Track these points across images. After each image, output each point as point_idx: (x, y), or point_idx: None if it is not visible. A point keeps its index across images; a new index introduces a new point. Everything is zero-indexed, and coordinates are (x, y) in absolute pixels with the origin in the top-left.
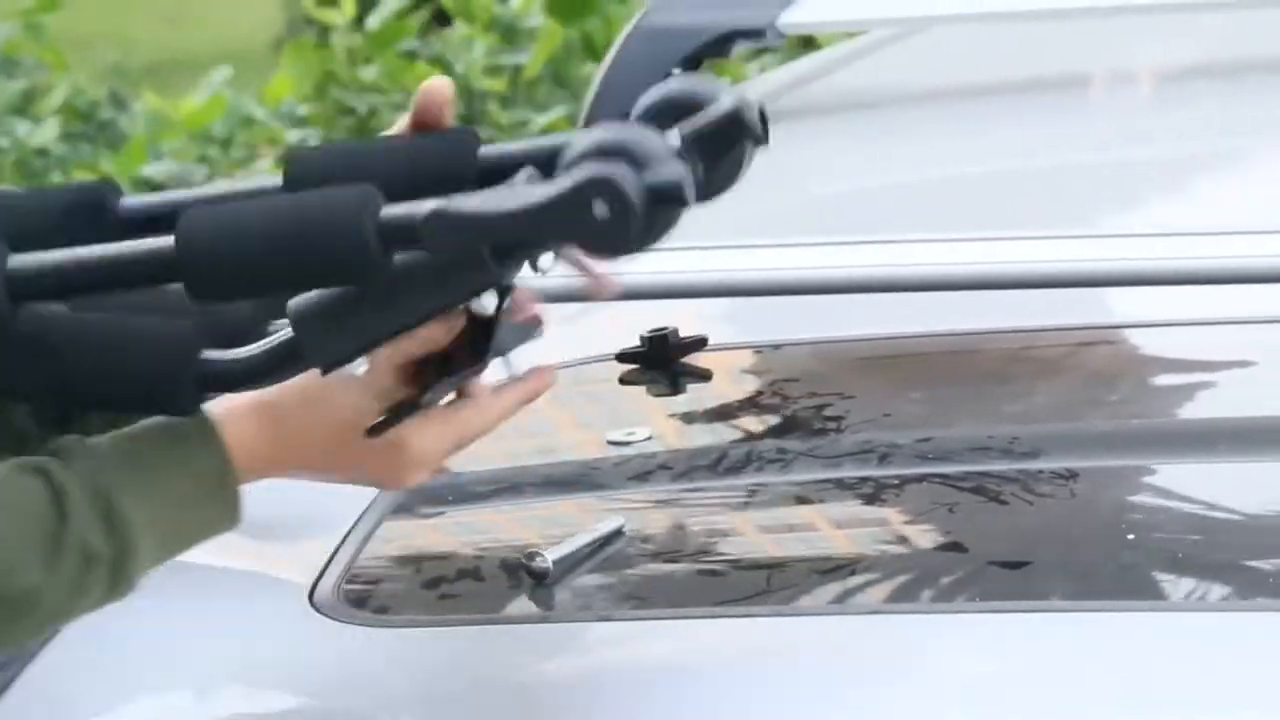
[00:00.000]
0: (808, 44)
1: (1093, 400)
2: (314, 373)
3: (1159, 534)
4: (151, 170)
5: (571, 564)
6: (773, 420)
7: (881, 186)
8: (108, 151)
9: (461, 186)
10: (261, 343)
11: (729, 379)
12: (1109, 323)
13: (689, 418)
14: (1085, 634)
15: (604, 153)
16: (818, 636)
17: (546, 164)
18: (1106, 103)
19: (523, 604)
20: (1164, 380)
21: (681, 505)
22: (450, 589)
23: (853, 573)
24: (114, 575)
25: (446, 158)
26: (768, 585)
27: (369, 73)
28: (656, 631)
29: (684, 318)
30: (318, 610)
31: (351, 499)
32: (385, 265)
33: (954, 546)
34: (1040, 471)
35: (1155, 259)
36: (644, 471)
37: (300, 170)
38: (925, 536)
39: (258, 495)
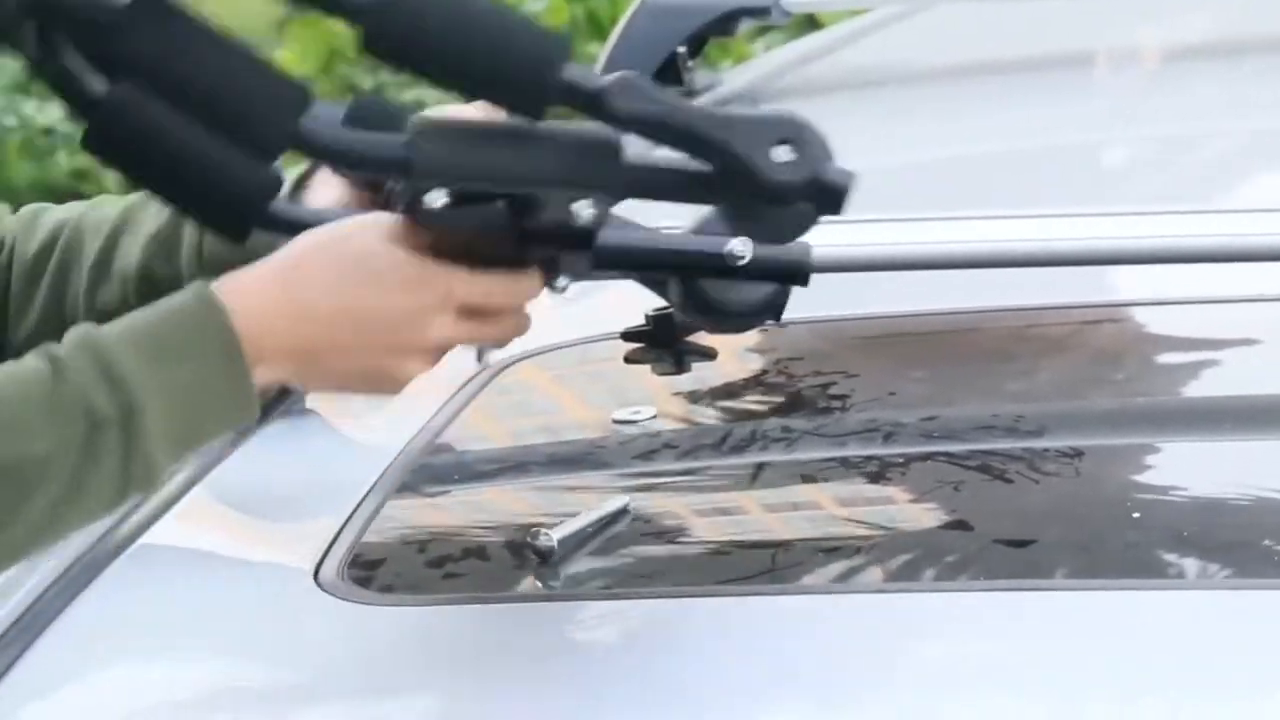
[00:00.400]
0: (812, 22)
1: (1098, 378)
2: (328, 229)
3: (1165, 513)
4: None
5: (576, 543)
6: (777, 399)
7: (887, 166)
8: None
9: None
10: (372, 135)
11: (734, 358)
12: (1113, 300)
13: (694, 396)
14: (1091, 612)
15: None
16: (823, 614)
17: None
18: (1113, 81)
19: (528, 582)
20: (1169, 359)
21: (687, 484)
22: (455, 568)
23: (858, 551)
24: (126, 441)
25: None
26: (773, 564)
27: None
28: (662, 609)
29: None
30: (322, 588)
31: (357, 477)
32: (544, 108)
33: (959, 525)
34: (1045, 450)
35: (1162, 236)
36: (649, 450)
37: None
38: (930, 515)
39: (261, 474)
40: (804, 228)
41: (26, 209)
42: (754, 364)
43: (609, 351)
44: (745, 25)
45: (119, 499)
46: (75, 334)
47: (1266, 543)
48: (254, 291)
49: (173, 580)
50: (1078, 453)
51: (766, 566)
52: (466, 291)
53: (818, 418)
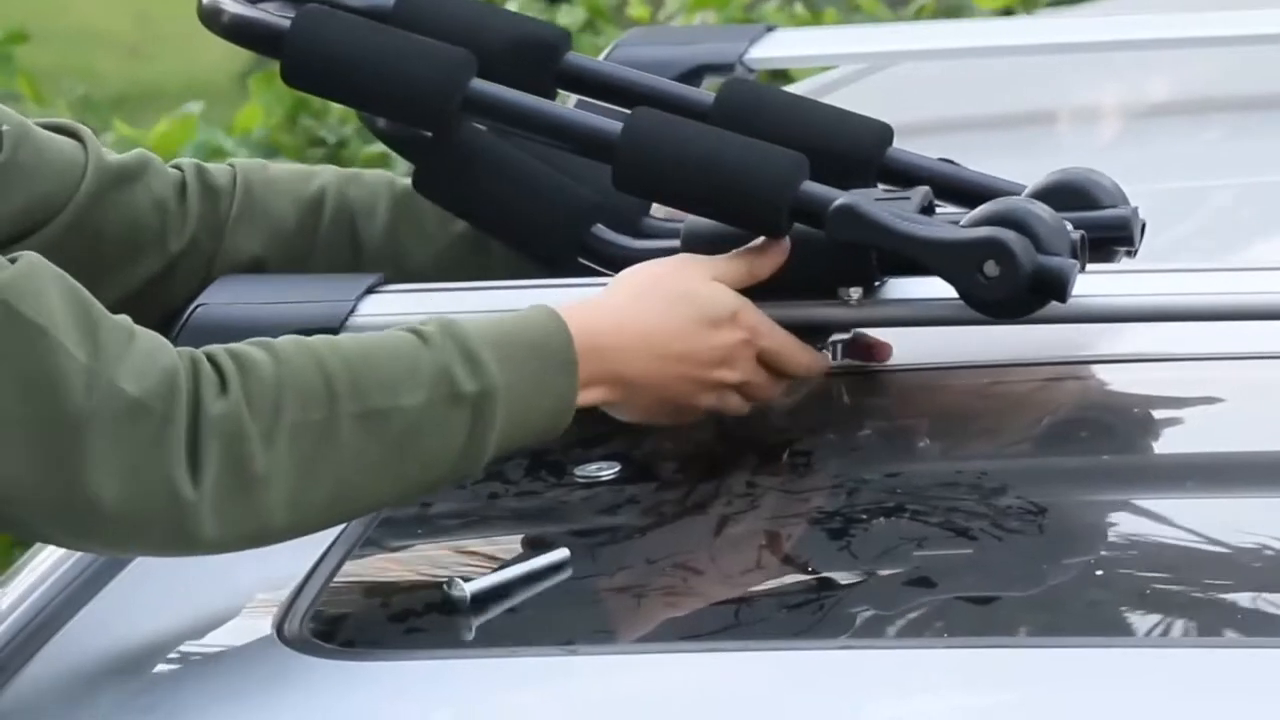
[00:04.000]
0: (778, 77)
1: (1061, 436)
2: (661, 265)
3: (1127, 570)
4: None
5: (494, 594)
6: (741, 454)
7: None
8: None
9: (864, 172)
10: (650, 242)
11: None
12: (1076, 358)
13: (658, 453)
14: (1054, 670)
15: (1013, 223)
16: (783, 670)
17: (944, 188)
18: (1083, 138)
19: (489, 636)
20: (1132, 416)
21: (650, 539)
22: (418, 622)
23: (820, 607)
24: (474, 420)
25: (860, 141)
26: (736, 619)
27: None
28: (629, 665)
29: None
30: (285, 643)
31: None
32: (785, 230)
33: (922, 582)
34: (1008, 507)
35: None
36: (612, 505)
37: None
38: (893, 571)
39: None
40: (1029, 311)
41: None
42: (719, 420)
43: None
44: (709, 81)
45: (446, 477)
46: (434, 320)
47: (1229, 601)
48: (594, 317)
49: (133, 634)
50: (1041, 510)
51: (730, 622)
52: (774, 337)
53: (781, 473)
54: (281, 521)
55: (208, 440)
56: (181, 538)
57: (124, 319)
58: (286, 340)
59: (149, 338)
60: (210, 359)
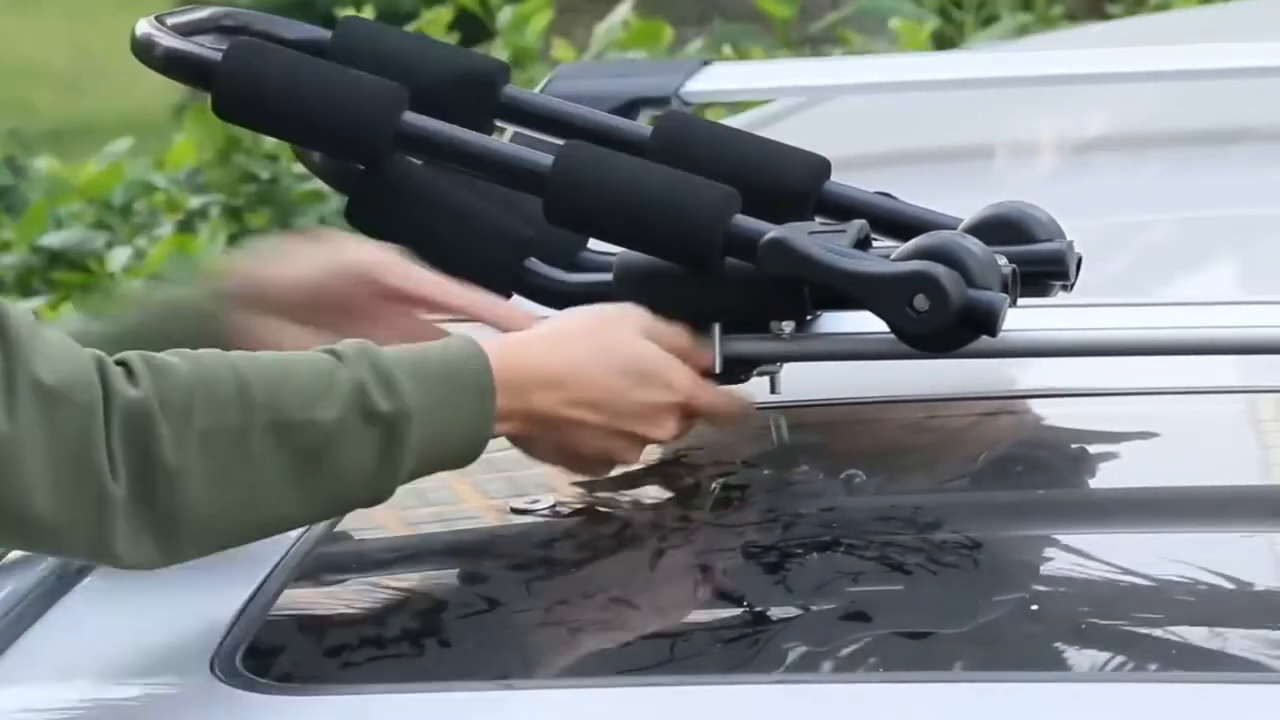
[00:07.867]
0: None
1: (995, 470)
2: (595, 312)
3: (1061, 605)
4: (50, 239)
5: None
6: (677, 488)
7: None
8: (7, 217)
9: (801, 206)
10: (583, 276)
11: None
12: (1010, 392)
13: (592, 486)
14: (987, 704)
15: (943, 257)
16: (720, 704)
17: (881, 221)
18: (1020, 172)
19: (425, 670)
20: (1066, 451)
21: (585, 573)
22: (352, 656)
23: (755, 642)
24: (386, 442)
25: (797, 174)
26: (671, 654)
27: (271, 140)
28: (563, 700)
29: None
30: (219, 678)
31: (254, 564)
32: (717, 264)
33: (857, 616)
34: (943, 541)
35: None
36: (548, 539)
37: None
38: (828, 606)
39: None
40: (960, 345)
41: None
42: (653, 453)
43: (504, 440)
44: (644, 114)
45: (359, 496)
46: (352, 341)
47: (1163, 635)
48: (516, 352)
49: (64, 670)
50: (975, 544)
51: (665, 657)
52: (703, 399)
53: (717, 508)
54: (191, 529)
55: (120, 431)
56: (99, 543)
57: (28, 309)
58: (202, 350)
59: (56, 331)
60: (120, 361)
